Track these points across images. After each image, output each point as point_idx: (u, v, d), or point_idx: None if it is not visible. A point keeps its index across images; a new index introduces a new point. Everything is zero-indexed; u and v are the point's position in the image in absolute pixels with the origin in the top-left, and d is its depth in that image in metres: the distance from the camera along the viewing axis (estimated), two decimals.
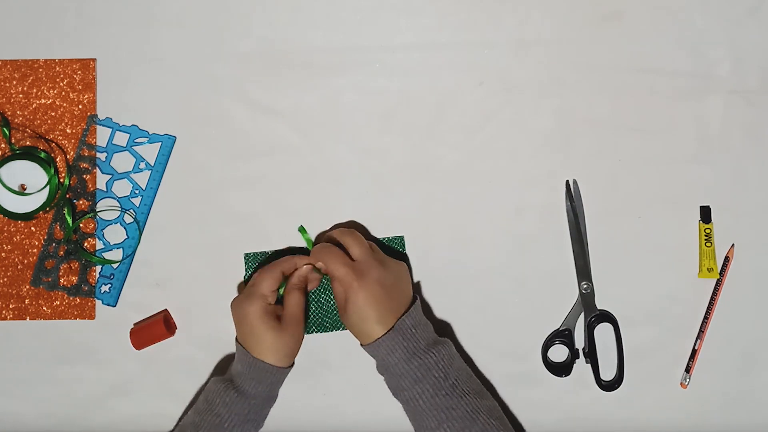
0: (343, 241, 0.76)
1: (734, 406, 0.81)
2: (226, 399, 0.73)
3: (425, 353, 0.73)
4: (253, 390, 0.74)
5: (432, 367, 0.72)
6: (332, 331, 0.81)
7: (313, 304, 0.81)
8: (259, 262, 0.81)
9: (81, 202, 0.82)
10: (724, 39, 0.82)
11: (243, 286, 0.81)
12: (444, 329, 0.81)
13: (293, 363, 0.77)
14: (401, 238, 0.81)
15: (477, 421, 0.71)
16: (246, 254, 0.81)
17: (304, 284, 0.77)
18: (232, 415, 0.73)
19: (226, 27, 0.83)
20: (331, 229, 0.81)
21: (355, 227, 0.81)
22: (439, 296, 0.82)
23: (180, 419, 0.80)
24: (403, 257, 0.81)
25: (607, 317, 0.81)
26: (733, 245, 0.81)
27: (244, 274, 0.81)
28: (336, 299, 0.76)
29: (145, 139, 0.82)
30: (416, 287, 0.82)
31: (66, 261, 0.82)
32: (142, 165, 0.82)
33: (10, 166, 0.81)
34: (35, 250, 0.82)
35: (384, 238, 0.81)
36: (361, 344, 0.75)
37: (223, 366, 0.81)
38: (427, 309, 0.82)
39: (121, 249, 0.82)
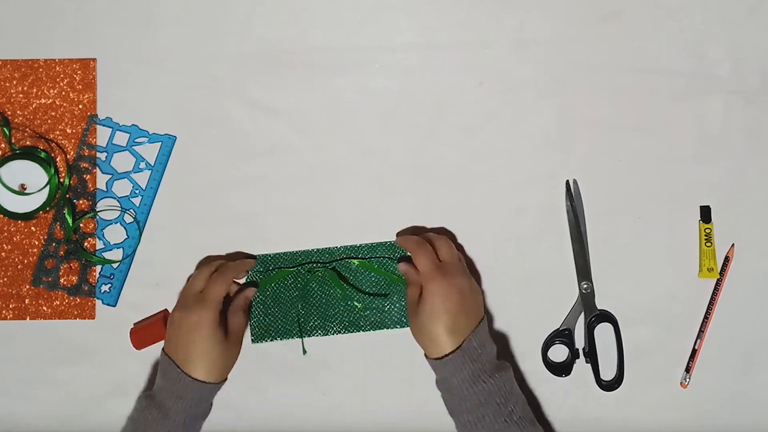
0: (434, 243, 0.76)
1: (734, 406, 0.81)
2: (149, 417, 0.72)
3: (489, 377, 0.71)
4: (174, 406, 0.72)
5: (494, 392, 0.71)
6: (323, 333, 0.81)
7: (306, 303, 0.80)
8: (269, 265, 0.81)
9: (81, 202, 0.82)
10: (724, 39, 0.82)
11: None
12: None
13: (226, 379, 0.76)
14: (391, 244, 0.81)
15: None
16: (260, 256, 0.81)
17: (249, 306, 0.79)
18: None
19: (226, 27, 0.83)
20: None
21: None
22: None
23: None
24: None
25: (607, 317, 0.80)
26: (733, 245, 0.81)
27: (248, 277, 0.81)
28: (408, 301, 0.75)
29: (145, 139, 0.82)
30: None
31: (66, 261, 0.82)
32: (142, 165, 0.82)
33: (10, 166, 0.81)
34: (35, 250, 0.82)
35: (377, 243, 0.81)
36: (426, 356, 0.74)
37: None
38: None
39: (121, 249, 0.82)
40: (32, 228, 0.82)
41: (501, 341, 0.81)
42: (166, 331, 0.76)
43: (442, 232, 0.81)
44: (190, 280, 0.78)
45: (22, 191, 0.81)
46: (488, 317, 0.81)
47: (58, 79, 0.82)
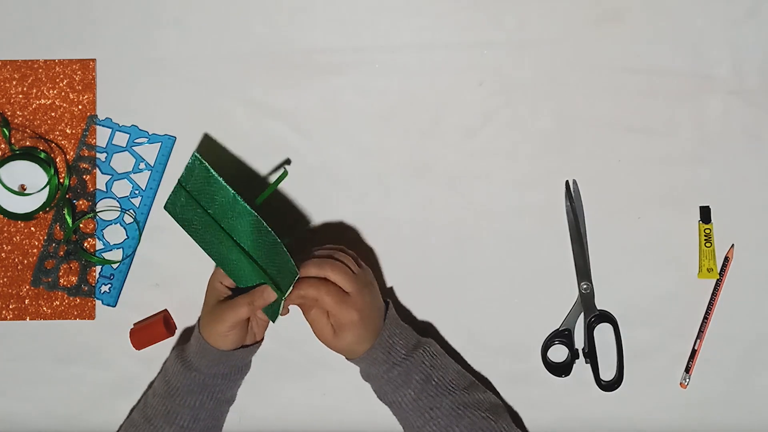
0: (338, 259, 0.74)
1: (734, 406, 0.81)
2: (174, 369, 0.76)
3: (404, 360, 0.73)
4: (196, 363, 0.74)
5: (412, 371, 0.73)
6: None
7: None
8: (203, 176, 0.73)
9: (81, 202, 0.82)
10: (723, 39, 0.82)
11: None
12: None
13: (249, 346, 0.76)
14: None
15: (464, 416, 0.72)
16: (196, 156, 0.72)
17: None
18: (179, 385, 0.75)
19: (226, 27, 0.83)
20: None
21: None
22: (439, 296, 0.82)
23: None
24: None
25: (606, 317, 0.81)
26: (732, 245, 0.81)
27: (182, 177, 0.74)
28: (319, 323, 0.73)
29: (145, 140, 0.82)
30: (414, 287, 0.82)
31: (66, 261, 0.82)
32: (142, 165, 0.82)
33: (10, 166, 0.81)
34: (35, 251, 0.82)
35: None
36: (345, 357, 0.75)
37: None
38: (427, 309, 0.82)
39: (121, 249, 0.82)
40: (32, 228, 0.82)
41: (501, 341, 0.81)
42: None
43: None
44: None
45: (22, 192, 0.81)
46: (488, 317, 0.81)
47: (57, 80, 0.82)
